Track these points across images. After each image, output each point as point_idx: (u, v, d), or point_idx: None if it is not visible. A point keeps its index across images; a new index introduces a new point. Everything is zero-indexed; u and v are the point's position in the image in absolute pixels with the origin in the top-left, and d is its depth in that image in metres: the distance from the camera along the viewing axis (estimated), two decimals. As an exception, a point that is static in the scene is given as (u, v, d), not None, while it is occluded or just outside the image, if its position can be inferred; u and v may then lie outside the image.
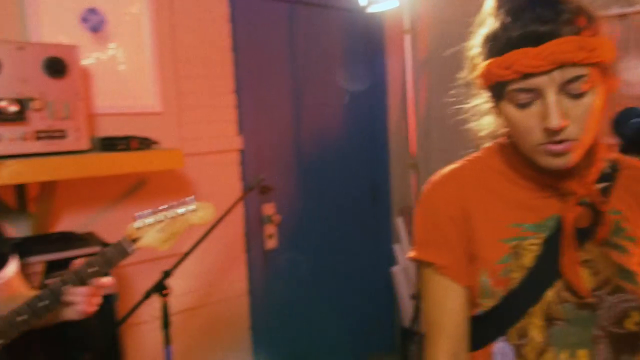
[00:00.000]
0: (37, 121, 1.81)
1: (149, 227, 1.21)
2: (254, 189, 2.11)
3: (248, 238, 2.71)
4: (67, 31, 2.10)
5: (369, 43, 3.18)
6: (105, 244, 1.88)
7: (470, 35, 0.95)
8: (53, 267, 1.74)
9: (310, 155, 2.95)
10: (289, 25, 2.84)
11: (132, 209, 2.27)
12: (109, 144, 1.99)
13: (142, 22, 2.29)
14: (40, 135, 1.81)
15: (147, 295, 1.80)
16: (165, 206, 1.22)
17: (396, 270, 3.20)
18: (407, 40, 2.77)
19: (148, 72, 2.31)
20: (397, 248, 3.24)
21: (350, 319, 3.14)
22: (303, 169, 2.92)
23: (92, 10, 2.15)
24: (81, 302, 1.17)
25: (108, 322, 1.79)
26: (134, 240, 1.21)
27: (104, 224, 2.18)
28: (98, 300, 1.21)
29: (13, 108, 1.74)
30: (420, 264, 1.01)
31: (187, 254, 1.90)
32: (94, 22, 2.16)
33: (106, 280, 1.21)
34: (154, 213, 1.21)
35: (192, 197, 1.25)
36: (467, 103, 1.04)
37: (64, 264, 1.73)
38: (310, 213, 2.94)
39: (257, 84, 2.71)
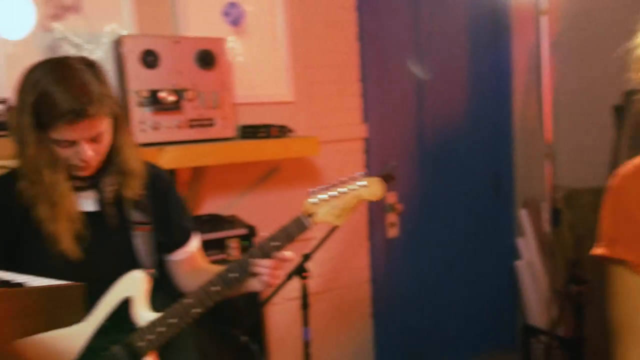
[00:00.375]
0: (190, 110, 1.94)
1: (323, 203, 1.23)
2: (387, 177, 2.11)
3: (371, 226, 2.73)
4: (210, 25, 2.22)
5: (494, 25, 3.05)
6: (248, 226, 1.98)
7: (633, 33, 0.88)
8: (206, 247, 1.85)
9: (432, 144, 2.90)
10: (414, 10, 2.80)
11: (266, 194, 2.40)
12: (251, 132, 2.09)
13: (276, 14, 2.37)
14: (192, 124, 1.94)
15: (289, 276, 1.87)
16: (337, 182, 1.24)
17: (520, 264, 3.07)
18: (544, 21, 2.63)
19: (281, 63, 2.39)
20: (520, 242, 3.10)
21: (470, 313, 3.06)
22: (425, 158, 2.88)
23: (233, 4, 2.26)
24: (266, 273, 1.24)
25: (253, 301, 1.89)
26: (310, 216, 1.24)
27: (241, 207, 2.30)
28: (281, 272, 1.27)
29: (171, 98, 1.88)
30: (609, 262, 0.95)
31: (325, 238, 1.95)
32: (234, 16, 2.27)
33: (288, 254, 1.26)
34: (327, 189, 1.23)
35: (363, 172, 1.26)
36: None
37: (216, 243, 1.85)
38: (431, 203, 2.90)
39: (381, 72, 2.71)
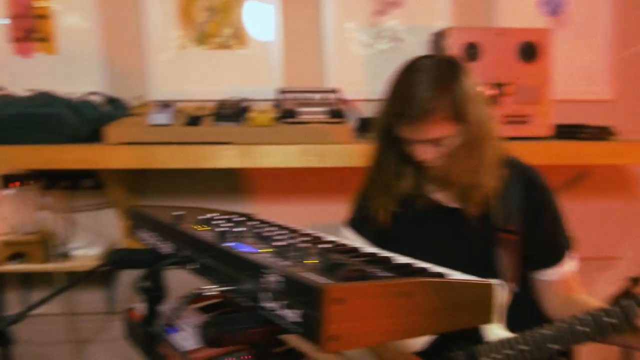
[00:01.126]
0: (507, 105, 1.83)
1: None
2: None
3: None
4: (524, 15, 2.07)
5: None
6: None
7: None
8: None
9: None
10: None
11: (570, 202, 2.15)
12: (569, 132, 1.88)
13: (599, 1, 2.09)
14: (508, 120, 1.83)
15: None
16: None
17: None
18: None
19: (601, 56, 2.11)
20: None
21: None
22: None
23: (553, -7, 2.07)
24: None
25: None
26: None
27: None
28: None
29: (491, 92, 1.80)
30: None
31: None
32: (553, 5, 2.08)
33: None
34: None
35: None
36: None
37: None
38: None
39: None
